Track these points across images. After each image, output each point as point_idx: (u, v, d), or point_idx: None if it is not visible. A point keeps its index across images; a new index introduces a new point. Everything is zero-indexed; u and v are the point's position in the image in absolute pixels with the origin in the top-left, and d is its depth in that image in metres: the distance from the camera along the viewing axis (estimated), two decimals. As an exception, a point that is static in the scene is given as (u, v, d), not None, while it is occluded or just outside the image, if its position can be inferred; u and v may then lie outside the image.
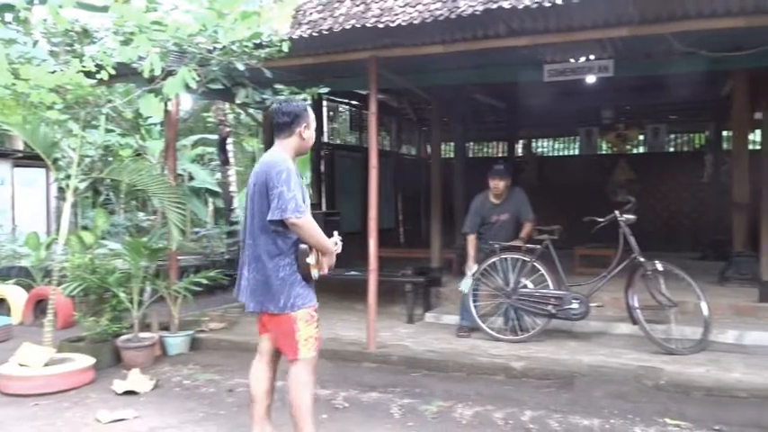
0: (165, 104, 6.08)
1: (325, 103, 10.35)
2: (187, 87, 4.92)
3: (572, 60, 6.21)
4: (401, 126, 13.04)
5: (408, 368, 5.14)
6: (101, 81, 5.05)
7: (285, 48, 5.04)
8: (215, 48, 5.16)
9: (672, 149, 12.69)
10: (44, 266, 7.96)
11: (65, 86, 4.91)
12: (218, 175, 13.75)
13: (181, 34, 4.92)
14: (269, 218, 3.11)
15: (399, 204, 12.44)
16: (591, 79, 6.74)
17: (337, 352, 5.44)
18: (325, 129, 10.78)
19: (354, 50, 5.49)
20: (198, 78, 4.92)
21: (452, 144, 11.34)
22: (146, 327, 5.87)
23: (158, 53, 4.76)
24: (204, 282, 6.10)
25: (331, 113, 12.08)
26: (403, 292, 6.64)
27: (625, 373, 4.64)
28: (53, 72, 4.88)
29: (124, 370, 5.09)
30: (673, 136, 12.71)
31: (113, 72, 4.89)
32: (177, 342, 5.83)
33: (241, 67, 5.21)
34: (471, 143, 13.80)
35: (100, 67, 4.84)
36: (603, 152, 12.86)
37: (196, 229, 12.29)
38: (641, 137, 12.59)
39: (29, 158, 10.29)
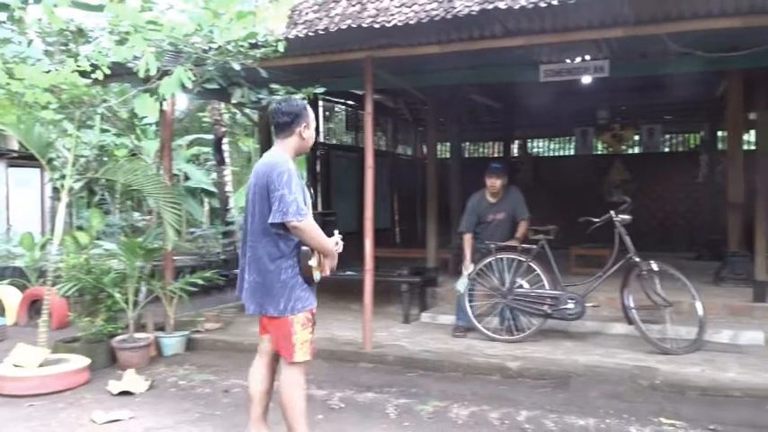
0: (161, 104, 6.08)
1: (321, 103, 10.34)
2: (183, 87, 4.90)
3: (568, 61, 6.23)
4: (397, 126, 13.05)
5: (404, 368, 5.14)
6: (96, 81, 5.03)
7: (281, 48, 5.03)
8: (210, 47, 5.16)
9: (667, 150, 12.71)
10: (39, 267, 7.95)
11: (60, 86, 4.89)
12: (214, 175, 13.72)
13: (176, 34, 4.91)
14: (270, 221, 3.09)
15: (395, 204, 12.44)
16: (587, 79, 6.74)
17: (333, 352, 5.44)
18: (321, 129, 10.77)
19: (350, 50, 5.49)
20: (193, 78, 4.90)
21: (448, 144, 11.37)
22: (141, 327, 5.86)
23: (154, 53, 4.74)
24: (200, 282, 6.10)
25: (327, 113, 12.07)
26: (399, 293, 6.64)
27: (621, 372, 4.65)
28: (48, 72, 4.85)
29: (119, 370, 5.08)
30: (668, 136, 12.73)
31: (108, 72, 4.89)
32: (173, 342, 5.81)
33: (237, 66, 5.21)
34: (467, 143, 13.82)
35: (95, 67, 4.83)
36: (599, 152, 12.90)
37: (192, 230, 12.28)
38: (636, 137, 12.63)
39: (23, 158, 10.22)
